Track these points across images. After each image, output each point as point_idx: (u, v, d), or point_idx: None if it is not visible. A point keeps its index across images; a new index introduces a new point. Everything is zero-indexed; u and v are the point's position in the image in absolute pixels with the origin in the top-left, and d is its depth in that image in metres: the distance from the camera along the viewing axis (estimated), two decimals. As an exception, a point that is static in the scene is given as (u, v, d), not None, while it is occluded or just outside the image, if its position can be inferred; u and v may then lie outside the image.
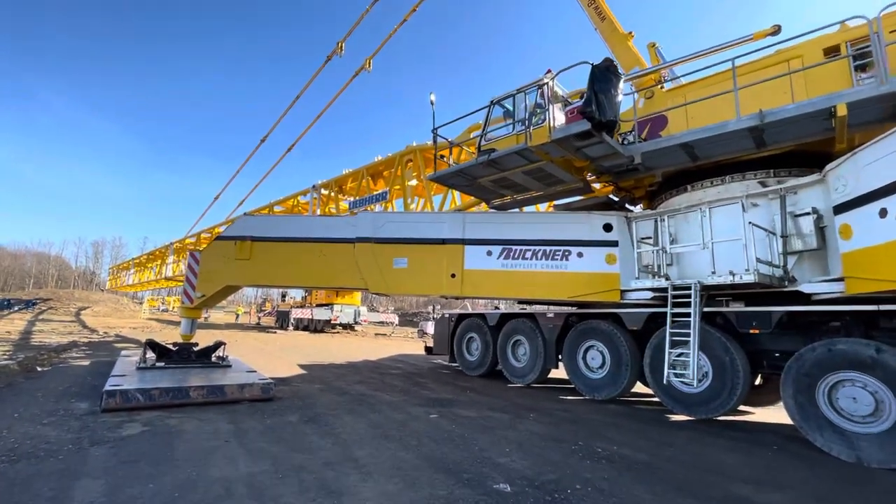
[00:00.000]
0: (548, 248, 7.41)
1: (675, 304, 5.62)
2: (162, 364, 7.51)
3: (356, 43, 17.30)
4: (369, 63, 17.36)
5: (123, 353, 9.43)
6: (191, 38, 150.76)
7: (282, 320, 32.57)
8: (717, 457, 4.60)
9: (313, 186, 15.29)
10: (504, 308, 11.43)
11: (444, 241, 7.64)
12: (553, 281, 7.36)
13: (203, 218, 22.34)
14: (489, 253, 7.59)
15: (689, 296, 5.48)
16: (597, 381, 7.48)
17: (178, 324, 29.90)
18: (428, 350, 11.94)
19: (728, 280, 5.19)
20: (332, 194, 15.07)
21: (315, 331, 27.59)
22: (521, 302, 10.31)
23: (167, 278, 24.78)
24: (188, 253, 8.42)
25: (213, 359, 8.21)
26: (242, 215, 8.48)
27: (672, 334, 5.55)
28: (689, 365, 5.30)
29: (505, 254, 7.57)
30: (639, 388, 7.99)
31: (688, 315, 5.46)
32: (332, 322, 27.83)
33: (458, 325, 10.77)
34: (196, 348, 8.23)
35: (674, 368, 5.52)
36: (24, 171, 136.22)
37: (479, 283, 7.56)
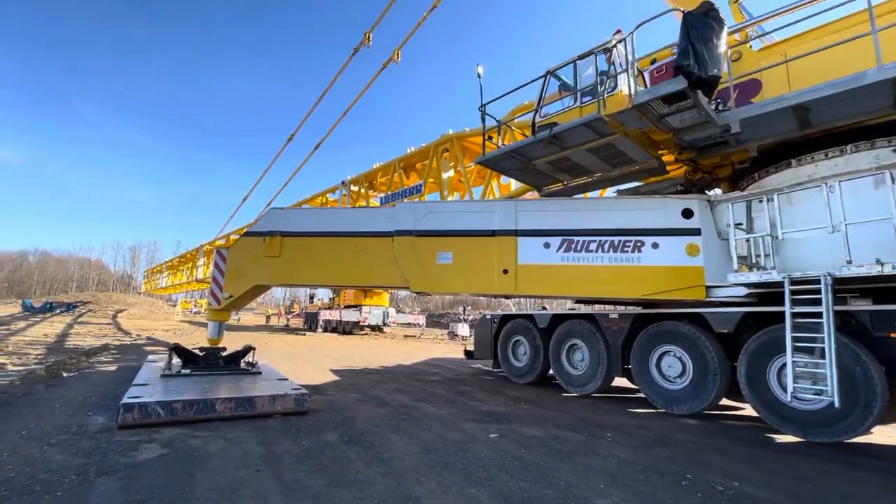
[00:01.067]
0: (616, 239, 6.40)
1: (795, 302, 4.55)
2: (188, 371, 6.89)
3: (383, 34, 16.62)
4: (397, 54, 16.68)
5: (150, 357, 8.93)
6: (214, 48, 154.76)
7: (310, 322, 32.36)
8: (877, 499, 3.54)
9: (342, 182, 14.66)
10: (554, 309, 10.44)
11: (494, 233, 6.74)
12: (623, 276, 6.35)
13: (232, 219, 22.13)
14: (547, 245, 6.64)
15: (814, 291, 4.41)
16: (676, 392, 6.42)
17: (208, 326, 29.93)
18: (468, 354, 11.06)
19: (874, 271, 4.09)
20: (362, 190, 14.40)
21: (343, 332, 27.14)
22: (578, 301, 9.31)
23: (198, 280, 24.78)
24: (215, 251, 7.80)
25: (242, 365, 7.57)
26: (271, 209, 7.79)
27: (794, 339, 4.47)
28: (821, 377, 4.23)
29: (565, 246, 6.61)
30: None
31: (813, 315, 4.39)
32: (361, 324, 27.29)
33: (501, 327, 9.85)
34: (224, 353, 7.61)
35: (800, 380, 4.45)
36: (67, 181, 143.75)
37: (536, 279, 6.62)
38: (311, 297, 36.70)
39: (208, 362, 7.31)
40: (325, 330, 27.91)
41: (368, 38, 17.52)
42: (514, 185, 9.45)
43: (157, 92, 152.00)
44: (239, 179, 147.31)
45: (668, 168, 6.75)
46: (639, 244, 6.29)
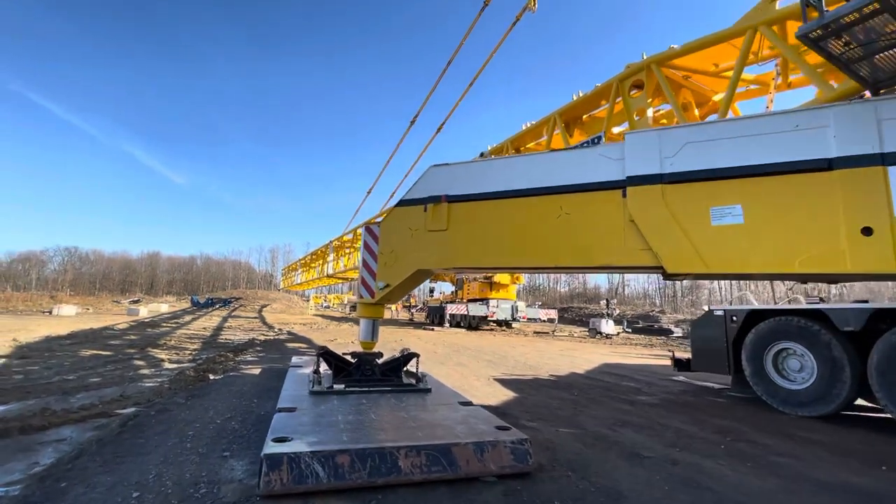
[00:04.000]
0: None
1: None
2: (341, 386, 5.13)
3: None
4: (534, 1, 13.98)
5: (294, 360, 7.60)
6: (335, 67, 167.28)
7: (433, 316, 31.45)
8: None
9: (481, 154, 12.47)
10: (859, 299, 6.89)
11: (830, 164, 3.74)
12: None
13: (358, 214, 21.65)
14: (958, 179, 3.46)
15: None
16: None
17: (341, 320, 30.89)
18: (678, 364, 8.00)
19: None
20: (507, 160, 12.01)
21: (470, 328, 25.40)
22: None
23: (329, 276, 25.04)
24: (364, 229, 6.00)
25: (404, 378, 5.68)
26: (432, 167, 5.71)
27: None
28: None
29: None
30: None
31: None
32: (489, 318, 25.28)
33: (748, 328, 6.65)
34: (380, 360, 5.80)
35: None
36: (222, 197, 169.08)
37: (934, 244, 3.48)
38: (432, 291, 35.96)
39: (363, 374, 5.52)
40: (451, 325, 26.50)
41: (499, -14, 15.12)
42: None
43: (287, 118, 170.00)
44: (350, 185, 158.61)
45: None
46: None
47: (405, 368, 5.84)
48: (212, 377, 7.61)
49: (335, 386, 5.12)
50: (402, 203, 5.83)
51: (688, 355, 7.88)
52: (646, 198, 4.40)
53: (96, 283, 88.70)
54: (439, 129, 19.71)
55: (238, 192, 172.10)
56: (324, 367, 5.70)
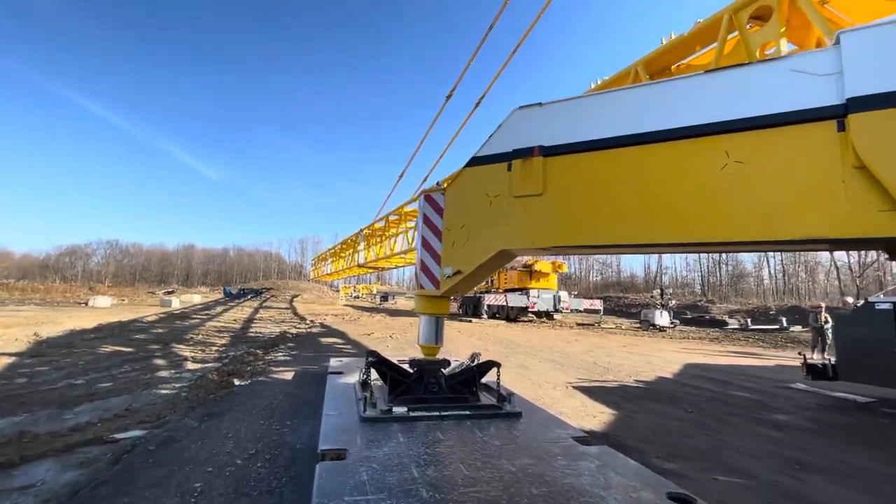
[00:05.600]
0: None
1: None
2: (402, 410, 3.75)
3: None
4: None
5: (332, 364, 6.21)
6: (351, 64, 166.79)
7: (466, 306, 30.04)
8: None
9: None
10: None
11: None
12: None
13: (389, 200, 20.26)
14: None
15: None
16: None
17: (372, 310, 29.91)
18: (814, 371, 6.29)
19: None
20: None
21: (509, 319, 23.88)
22: None
23: (360, 265, 23.90)
24: (421, 198, 4.57)
25: (482, 395, 4.25)
26: (517, 109, 4.16)
27: None
28: None
29: None
30: None
31: None
32: (529, 309, 23.67)
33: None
34: (447, 370, 4.41)
35: None
36: (253, 191, 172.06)
37: None
38: (464, 281, 34.48)
39: (427, 388, 4.13)
40: (489, 316, 25.04)
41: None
42: None
43: (315, 114, 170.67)
44: (382, 179, 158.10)
45: None
46: None
47: (484, 380, 4.43)
48: (237, 382, 6.44)
49: (395, 409, 3.75)
50: (475, 161, 4.32)
51: (822, 360, 6.16)
52: (891, 127, 2.77)
53: (136, 274, 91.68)
54: (478, 104, 17.97)
55: (268, 185, 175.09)
56: (374, 377, 4.36)
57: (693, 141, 3.34)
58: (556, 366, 8.73)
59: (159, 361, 8.28)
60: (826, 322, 11.99)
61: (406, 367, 4.39)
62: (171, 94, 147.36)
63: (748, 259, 58.68)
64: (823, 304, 12.60)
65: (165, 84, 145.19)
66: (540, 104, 4.11)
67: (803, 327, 25.19)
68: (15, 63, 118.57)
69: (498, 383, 4.21)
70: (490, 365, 4.30)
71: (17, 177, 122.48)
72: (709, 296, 46.96)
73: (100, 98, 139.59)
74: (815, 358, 12.30)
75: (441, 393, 4.15)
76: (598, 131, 3.78)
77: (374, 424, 3.54)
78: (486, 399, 4.16)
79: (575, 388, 6.63)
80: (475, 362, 4.42)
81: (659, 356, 10.88)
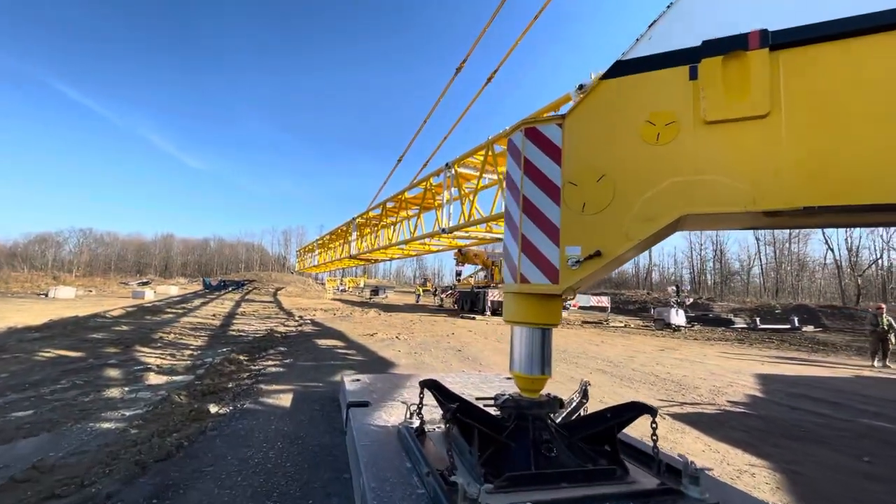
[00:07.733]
0: None
1: None
2: (520, 503, 2.05)
3: None
4: None
5: (348, 386, 4.40)
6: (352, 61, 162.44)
7: (462, 302, 28.38)
8: None
9: (579, 87, 9.03)
10: None
11: None
12: None
13: (386, 185, 18.35)
14: None
15: None
16: None
17: (363, 305, 27.98)
18: None
19: None
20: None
21: (512, 317, 22.24)
22: None
23: (351, 257, 21.90)
24: (520, 132, 2.76)
25: (628, 464, 2.57)
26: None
27: None
28: None
29: None
30: None
31: None
32: (534, 306, 22.08)
33: None
34: (558, 417, 2.73)
35: None
36: (239, 182, 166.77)
37: None
38: (458, 274, 32.86)
39: (535, 445, 2.43)
40: (492, 312, 23.42)
41: None
42: None
43: (304, 105, 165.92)
44: (373, 174, 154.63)
45: None
46: None
47: (620, 433, 2.74)
48: (213, 410, 4.65)
49: (504, 499, 2.04)
50: (623, 68, 2.51)
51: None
52: None
53: (111, 264, 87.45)
54: (489, 79, 16.06)
55: (254, 175, 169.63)
56: (428, 398, 2.69)
57: None
58: (612, 379, 7.12)
59: (112, 373, 6.39)
60: (890, 327, 10.74)
61: (492, 410, 2.72)
62: (152, 81, 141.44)
63: (734, 257, 58.52)
64: (884, 306, 11.29)
65: (146, 69, 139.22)
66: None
67: (815, 327, 24.37)
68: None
69: (656, 444, 2.50)
70: (635, 411, 2.58)
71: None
72: (699, 293, 46.27)
73: (78, 83, 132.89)
74: (877, 366, 11.10)
75: (560, 457, 2.45)
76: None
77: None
78: (637, 473, 2.47)
79: (673, 417, 5.01)
80: (609, 407, 2.68)
81: (713, 364, 9.39)
